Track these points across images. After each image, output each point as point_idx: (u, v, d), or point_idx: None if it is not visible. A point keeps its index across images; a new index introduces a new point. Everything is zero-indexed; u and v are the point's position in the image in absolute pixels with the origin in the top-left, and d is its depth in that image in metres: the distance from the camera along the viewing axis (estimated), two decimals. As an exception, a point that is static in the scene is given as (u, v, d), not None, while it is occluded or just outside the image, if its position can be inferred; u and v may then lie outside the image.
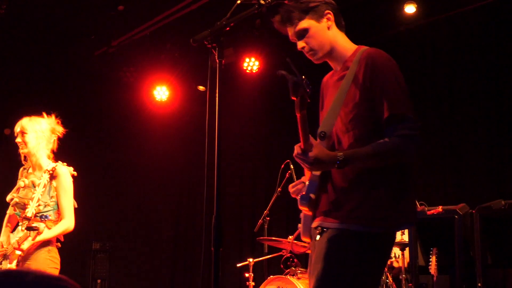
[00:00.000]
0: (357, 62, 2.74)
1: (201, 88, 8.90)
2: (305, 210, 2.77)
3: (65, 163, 4.50)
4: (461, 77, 6.90)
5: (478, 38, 6.73)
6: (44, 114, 4.61)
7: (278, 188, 6.49)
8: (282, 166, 6.54)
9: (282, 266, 6.13)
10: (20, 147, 4.50)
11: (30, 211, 4.25)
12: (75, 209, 4.45)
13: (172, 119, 9.65)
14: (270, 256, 6.37)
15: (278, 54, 8.38)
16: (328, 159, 2.58)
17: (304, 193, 2.74)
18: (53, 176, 4.36)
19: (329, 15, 2.85)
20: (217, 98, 2.40)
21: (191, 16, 7.60)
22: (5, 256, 4.26)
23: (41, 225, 4.17)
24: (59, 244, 4.45)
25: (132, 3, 7.52)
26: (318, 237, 2.70)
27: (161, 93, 9.17)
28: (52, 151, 4.60)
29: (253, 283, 6.01)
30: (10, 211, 4.48)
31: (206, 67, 2.51)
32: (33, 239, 4.18)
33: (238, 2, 2.58)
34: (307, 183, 2.76)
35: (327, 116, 2.76)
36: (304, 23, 2.83)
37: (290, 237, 6.13)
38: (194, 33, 2.52)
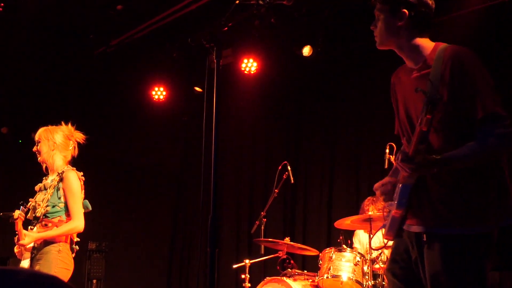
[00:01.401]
0: (440, 60, 2.73)
1: (198, 89, 8.89)
2: (398, 213, 2.79)
3: (74, 168, 4.64)
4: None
5: (476, 41, 6.73)
6: (62, 123, 4.78)
7: (275, 190, 6.48)
8: (280, 167, 6.53)
9: (278, 267, 6.11)
10: (38, 156, 4.69)
11: (39, 211, 4.39)
12: (89, 212, 4.60)
13: (169, 119, 9.64)
14: (266, 257, 6.36)
15: (277, 55, 8.38)
16: (429, 163, 2.61)
17: (398, 197, 2.76)
18: (61, 179, 4.46)
19: (404, 13, 2.86)
20: (214, 99, 2.39)
21: (190, 17, 7.59)
22: (21, 255, 4.39)
23: (16, 213, 4.31)
24: (76, 247, 4.57)
25: (131, 2, 7.51)
26: (423, 242, 2.73)
27: (159, 93, 9.17)
28: (72, 157, 4.79)
29: (249, 285, 6.00)
30: (30, 216, 4.55)
31: (204, 68, 2.50)
32: (40, 231, 4.32)
33: (237, 2, 2.58)
34: (400, 185, 2.78)
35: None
36: (380, 9, 2.93)
37: (286, 238, 6.13)
38: (193, 33, 2.52)
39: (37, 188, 4.63)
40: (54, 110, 8.22)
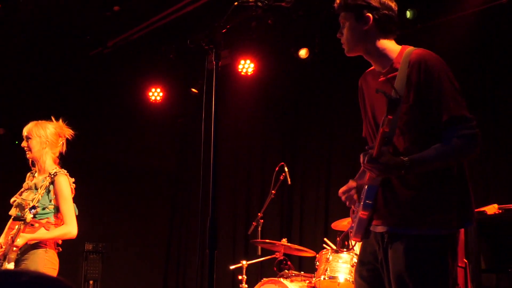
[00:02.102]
0: (406, 64, 2.76)
1: (194, 90, 8.88)
2: (364, 215, 2.80)
3: (67, 173, 4.56)
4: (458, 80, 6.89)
5: (474, 43, 6.75)
6: (53, 118, 4.69)
7: (272, 191, 6.49)
8: (277, 168, 6.54)
9: (275, 268, 6.12)
10: (27, 152, 4.60)
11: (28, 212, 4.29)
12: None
13: (166, 120, 9.64)
14: (263, 258, 6.36)
15: (274, 57, 8.39)
16: (396, 165, 2.63)
17: (364, 198, 2.78)
18: (53, 181, 4.41)
19: (368, 17, 2.86)
20: (213, 100, 2.39)
21: (187, 18, 7.59)
22: (4, 256, 4.30)
23: (29, 216, 4.20)
24: (59, 249, 4.51)
25: (128, 3, 7.51)
26: (385, 242, 2.76)
27: (156, 94, 9.17)
28: (60, 154, 4.70)
29: (246, 286, 6.00)
30: (12, 212, 4.51)
31: (201, 69, 2.51)
32: (32, 232, 4.26)
33: (236, 3, 2.58)
34: (366, 187, 2.79)
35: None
36: (345, 16, 2.91)
37: (283, 239, 6.14)
38: (190, 34, 2.52)
39: (25, 185, 4.55)
40: (51, 111, 8.16)
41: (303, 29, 7.73)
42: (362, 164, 2.69)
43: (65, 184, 4.47)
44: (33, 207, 4.27)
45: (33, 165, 4.66)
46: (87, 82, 8.89)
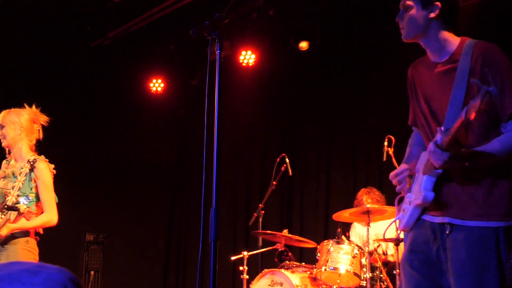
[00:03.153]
0: (468, 55, 2.77)
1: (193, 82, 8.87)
2: (421, 205, 2.83)
3: (47, 159, 4.48)
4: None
5: (472, 34, 6.72)
6: (26, 105, 4.59)
7: (273, 182, 6.49)
8: (278, 159, 6.54)
9: (276, 259, 6.13)
10: (1, 141, 4.52)
11: (10, 200, 4.20)
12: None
13: (167, 111, 9.63)
14: (264, 249, 6.37)
15: (275, 48, 8.37)
16: (462, 156, 2.65)
17: (422, 187, 2.80)
18: (33, 168, 4.34)
19: (437, 6, 2.85)
20: (216, 91, 2.39)
21: (188, 8, 7.57)
22: None
23: (22, 207, 4.14)
24: (37, 238, 4.44)
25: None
26: (447, 233, 2.77)
27: (157, 85, 9.16)
28: (37, 140, 4.60)
29: (247, 276, 6.02)
30: None
31: (202, 60, 2.50)
32: (14, 221, 4.19)
33: (238, -6, 2.57)
34: (423, 177, 2.81)
35: (449, 112, 2.77)
36: (409, 1, 2.87)
37: (284, 230, 6.14)
38: (191, 25, 2.52)
39: (1, 174, 4.46)
40: (51, 103, 8.15)
41: (304, 21, 7.72)
42: (429, 153, 2.70)
43: (46, 170, 4.36)
44: (27, 197, 4.23)
45: (10, 153, 4.56)
46: (88, 74, 8.87)
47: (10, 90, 7.95)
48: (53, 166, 4.49)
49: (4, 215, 4.22)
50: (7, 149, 4.56)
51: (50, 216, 4.34)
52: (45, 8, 7.58)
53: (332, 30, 7.85)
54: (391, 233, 5.40)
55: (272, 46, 8.30)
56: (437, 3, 2.84)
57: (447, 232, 2.77)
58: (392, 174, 3.02)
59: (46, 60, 8.36)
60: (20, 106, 4.62)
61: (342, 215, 5.83)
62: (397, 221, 3.02)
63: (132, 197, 9.51)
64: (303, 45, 7.82)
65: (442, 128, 2.67)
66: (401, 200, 3.07)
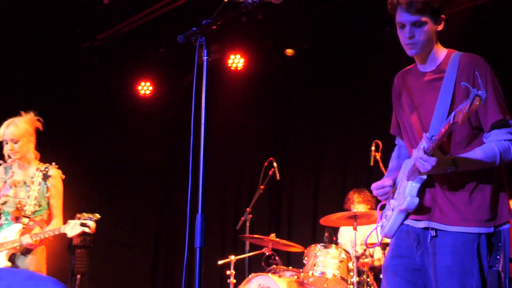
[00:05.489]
0: (455, 67, 2.85)
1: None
2: (404, 210, 2.88)
3: (56, 166, 4.56)
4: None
5: (460, 41, 6.76)
6: (23, 113, 4.60)
7: (261, 186, 6.50)
8: (266, 163, 6.55)
9: (263, 263, 6.13)
10: (13, 154, 4.53)
11: (29, 209, 4.27)
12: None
13: (155, 114, 9.62)
14: (252, 253, 6.37)
15: (264, 52, 8.38)
16: (445, 163, 2.70)
17: (407, 194, 2.85)
18: (46, 176, 4.39)
19: (443, 18, 2.91)
20: (203, 98, 2.38)
21: (178, 11, 7.56)
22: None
23: (90, 223, 4.21)
24: None
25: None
26: (430, 237, 2.82)
27: (145, 88, 9.15)
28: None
29: (234, 281, 6.01)
30: None
31: (191, 63, 2.50)
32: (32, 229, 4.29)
33: (226, 0, 2.58)
34: (407, 183, 2.86)
35: (434, 120, 2.83)
36: (424, 18, 2.85)
37: (272, 234, 6.15)
38: (180, 28, 2.52)
39: (11, 183, 4.50)
40: (39, 104, 8.12)
41: (293, 25, 7.73)
42: (414, 159, 2.74)
43: (59, 178, 4.52)
44: (94, 215, 4.32)
45: (3, 158, 4.61)
46: (77, 75, 8.84)
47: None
48: (61, 171, 4.59)
49: (22, 223, 4.28)
50: (7, 157, 4.56)
51: (60, 221, 4.43)
52: (34, 10, 7.55)
53: (321, 35, 7.87)
54: (374, 239, 5.42)
55: (261, 50, 8.31)
56: (443, 16, 2.91)
57: (431, 236, 2.82)
58: (373, 186, 3.08)
59: (35, 61, 8.32)
60: (12, 109, 4.64)
61: (329, 219, 5.85)
62: (379, 228, 3.05)
63: (120, 200, 9.48)
64: (289, 51, 7.87)
65: (427, 134, 2.73)
66: (383, 207, 3.11)
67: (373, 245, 5.47)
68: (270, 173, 6.51)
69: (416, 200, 2.82)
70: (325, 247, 5.60)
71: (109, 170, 9.41)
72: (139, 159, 9.51)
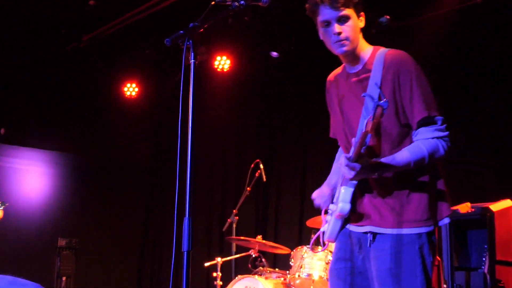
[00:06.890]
0: (380, 65, 2.77)
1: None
2: (341, 216, 2.83)
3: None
4: (449, 77, 6.87)
5: (447, 43, 6.79)
6: None
7: (247, 188, 6.50)
8: (252, 165, 6.55)
9: (250, 265, 6.13)
10: None
11: None
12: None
13: (141, 116, 9.59)
14: (238, 255, 6.37)
15: (250, 53, 8.38)
16: (370, 167, 2.65)
17: (341, 199, 2.80)
18: None
19: (362, 17, 2.86)
20: (190, 101, 2.37)
21: (164, 13, 7.55)
22: None
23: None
24: None
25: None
26: (369, 241, 2.80)
27: (131, 89, 9.13)
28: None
29: (220, 283, 6.01)
30: None
31: (178, 65, 2.50)
32: None
33: (213, 3, 2.57)
34: (341, 189, 2.81)
35: (361, 122, 2.74)
36: (348, 12, 2.79)
37: (258, 236, 6.15)
38: (167, 29, 2.51)
39: None
40: (24, 106, 8.10)
41: (280, 27, 7.74)
42: (340, 166, 2.68)
43: None
44: (3, 203, 4.24)
45: None
46: (62, 77, 8.80)
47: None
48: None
49: None
50: None
51: None
52: (20, 11, 7.51)
53: (308, 36, 7.88)
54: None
55: (248, 51, 8.31)
56: (363, 13, 2.85)
57: (369, 241, 2.79)
58: (313, 195, 3.09)
59: (20, 63, 8.28)
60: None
61: (316, 221, 5.85)
62: (321, 234, 3.04)
63: (106, 202, 9.46)
64: (274, 54, 7.89)
65: (355, 139, 2.67)
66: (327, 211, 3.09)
67: (318, 251, 5.46)
68: (257, 174, 6.51)
69: (348, 206, 2.77)
70: (312, 249, 5.60)
71: (95, 172, 9.38)
72: (125, 161, 9.49)
